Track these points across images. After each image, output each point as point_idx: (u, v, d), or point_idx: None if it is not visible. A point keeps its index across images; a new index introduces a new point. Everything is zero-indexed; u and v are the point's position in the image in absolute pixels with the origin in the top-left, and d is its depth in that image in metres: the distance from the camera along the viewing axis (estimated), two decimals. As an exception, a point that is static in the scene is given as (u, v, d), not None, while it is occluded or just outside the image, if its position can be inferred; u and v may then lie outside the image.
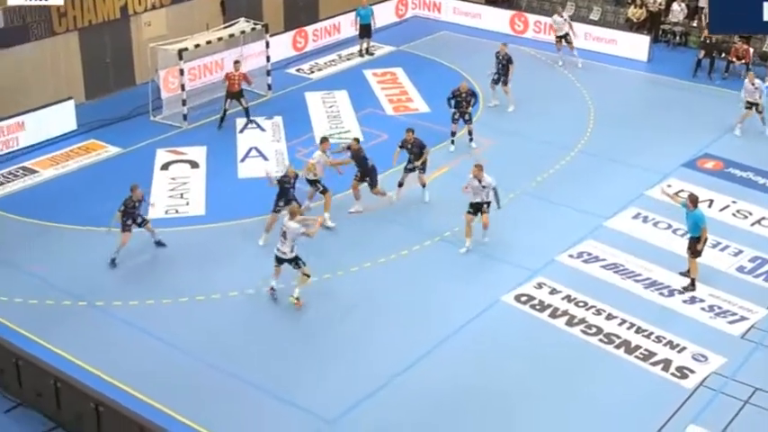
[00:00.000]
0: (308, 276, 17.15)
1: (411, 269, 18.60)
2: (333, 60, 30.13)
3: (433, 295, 17.80)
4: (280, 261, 17.10)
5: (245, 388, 15.16)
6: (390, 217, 20.47)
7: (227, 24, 27.27)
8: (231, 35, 26.47)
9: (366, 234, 19.87)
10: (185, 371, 15.63)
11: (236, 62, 24.97)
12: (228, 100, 24.64)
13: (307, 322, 16.99)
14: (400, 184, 20.92)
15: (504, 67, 25.67)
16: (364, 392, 15.08)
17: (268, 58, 27.22)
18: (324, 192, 20.01)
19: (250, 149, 23.80)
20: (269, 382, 15.32)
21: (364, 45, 30.56)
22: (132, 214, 18.33)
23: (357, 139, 21.12)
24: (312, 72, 29.12)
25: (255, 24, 26.85)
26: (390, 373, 15.55)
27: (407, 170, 20.91)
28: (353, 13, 31.62)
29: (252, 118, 25.07)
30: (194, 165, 22.94)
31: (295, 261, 17.03)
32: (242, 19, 26.96)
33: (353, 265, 18.52)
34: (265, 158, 23.26)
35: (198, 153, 23.52)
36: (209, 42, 25.78)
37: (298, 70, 29.24)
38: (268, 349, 16.26)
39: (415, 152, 20.77)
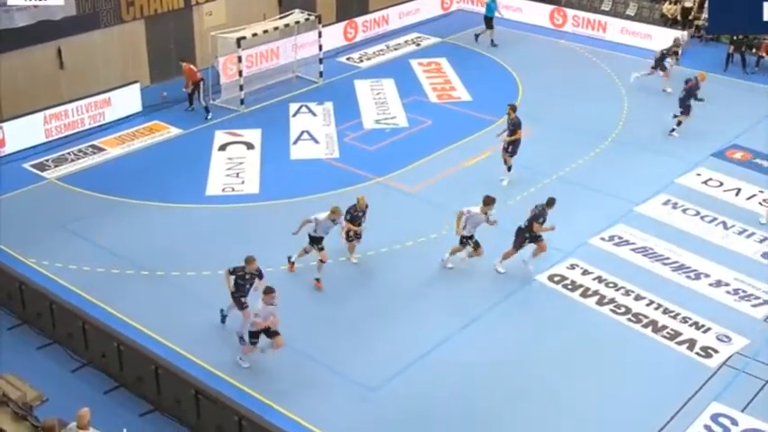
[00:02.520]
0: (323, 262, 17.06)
1: (438, 253, 18.51)
2: (381, 50, 30.03)
3: (469, 275, 17.71)
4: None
5: (296, 358, 15.20)
6: (430, 199, 20.41)
7: (282, 15, 27.28)
8: (286, 25, 26.48)
9: (406, 215, 19.81)
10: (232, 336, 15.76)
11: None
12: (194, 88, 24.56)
13: (350, 298, 17.01)
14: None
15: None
16: (404, 364, 15.09)
17: (320, 48, 27.20)
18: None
19: (302, 133, 23.84)
20: (317, 352, 15.37)
21: (488, 35, 30.32)
22: (244, 287, 15.24)
23: None
24: (361, 61, 29.06)
25: (309, 15, 26.82)
26: (429, 346, 15.55)
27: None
28: (402, 6, 31.63)
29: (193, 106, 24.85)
30: (250, 146, 23.04)
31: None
32: (296, 10, 26.94)
33: (396, 243, 18.50)
34: (316, 141, 23.28)
35: (253, 135, 23.61)
36: (265, 32, 25.81)
37: (348, 59, 29.19)
38: (315, 322, 16.31)
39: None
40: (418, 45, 30.54)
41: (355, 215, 17.45)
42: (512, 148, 20.72)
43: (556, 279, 17.53)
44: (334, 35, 29.39)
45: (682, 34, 28.40)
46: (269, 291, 14.26)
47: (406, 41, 30.83)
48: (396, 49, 30.17)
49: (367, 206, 17.63)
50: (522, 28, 31.58)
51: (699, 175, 21.73)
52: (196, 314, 16.38)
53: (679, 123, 23.54)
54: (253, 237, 18.91)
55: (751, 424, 13.99)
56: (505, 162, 20.89)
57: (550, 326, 16.32)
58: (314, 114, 24.98)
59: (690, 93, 23.35)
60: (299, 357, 15.20)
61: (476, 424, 13.97)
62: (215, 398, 13.28)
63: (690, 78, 23.84)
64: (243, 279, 15.10)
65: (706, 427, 13.96)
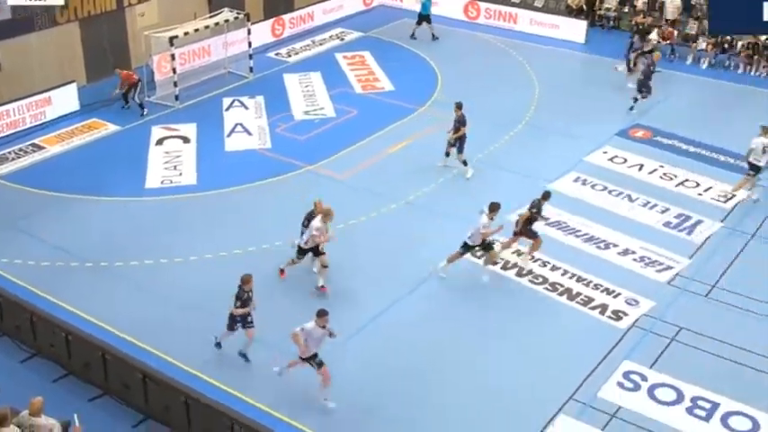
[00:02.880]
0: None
1: (382, 228, 18.54)
2: (307, 45, 29.78)
3: (400, 254, 17.74)
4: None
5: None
6: (359, 184, 20.38)
7: (212, 14, 26.85)
8: (216, 23, 26.08)
9: (337, 201, 19.71)
10: (182, 321, 15.53)
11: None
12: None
13: (292, 276, 16.90)
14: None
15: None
16: (350, 332, 15.01)
17: (250, 44, 26.84)
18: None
19: (236, 125, 23.53)
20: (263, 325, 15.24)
21: (429, 30, 30.03)
22: (246, 305, 14.26)
23: None
24: (289, 56, 28.79)
25: (238, 14, 26.46)
26: (361, 322, 15.57)
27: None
28: (326, 3, 31.46)
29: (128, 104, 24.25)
30: (186, 140, 22.66)
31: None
32: (226, 9, 26.54)
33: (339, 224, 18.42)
34: (249, 133, 23.03)
35: (189, 129, 23.22)
36: (196, 30, 25.37)
37: (276, 54, 28.88)
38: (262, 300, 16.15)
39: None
40: (342, 40, 30.39)
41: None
42: (459, 144, 20.51)
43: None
44: (262, 32, 29.05)
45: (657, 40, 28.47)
46: (323, 313, 13.08)
47: (330, 36, 30.63)
48: (321, 44, 29.96)
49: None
50: (440, 21, 31.62)
51: (605, 153, 22.12)
52: (140, 302, 16.10)
53: (636, 100, 24.29)
54: (192, 226, 18.66)
55: (659, 379, 14.36)
56: (458, 158, 20.67)
57: (474, 297, 16.46)
58: (246, 108, 24.69)
59: (648, 74, 23.96)
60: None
61: (405, 390, 14.04)
62: (162, 381, 13.10)
63: (646, 59, 24.70)
64: (248, 299, 14.17)
65: (619, 383, 14.27)
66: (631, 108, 24.34)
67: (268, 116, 24.08)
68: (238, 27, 26.86)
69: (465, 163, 20.68)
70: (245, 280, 14.20)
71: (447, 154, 20.77)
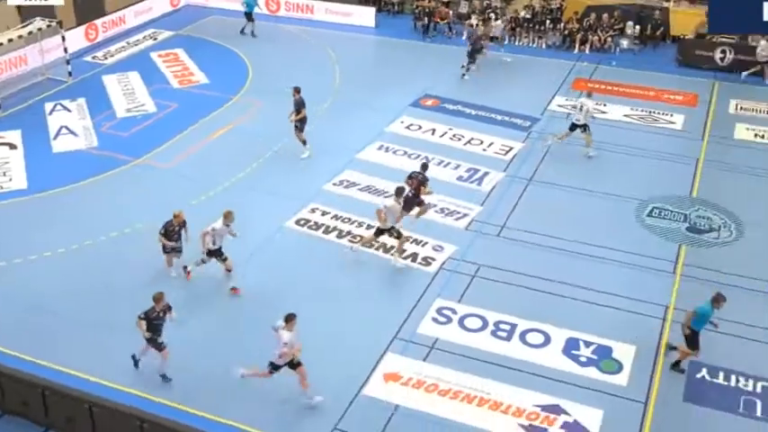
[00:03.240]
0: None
1: (210, 211, 18.03)
2: (123, 47, 28.33)
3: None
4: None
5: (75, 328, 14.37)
6: (186, 172, 19.78)
7: (24, 24, 24.96)
8: (30, 32, 24.27)
9: (166, 189, 19.08)
10: (31, 322, 14.58)
11: None
12: None
13: (109, 274, 16.18)
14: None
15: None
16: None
17: (66, 50, 25.19)
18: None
19: (61, 128, 22.08)
20: (85, 315, 14.58)
21: (248, 29, 29.13)
22: (160, 328, 12.98)
23: None
24: (106, 58, 27.29)
25: (50, 22, 24.75)
26: (205, 294, 15.20)
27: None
28: (136, 6, 30.05)
29: None
30: (12, 146, 21.05)
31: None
32: (37, 18, 24.75)
33: (166, 214, 17.77)
34: (75, 134, 21.72)
35: (14, 136, 21.56)
36: (10, 40, 23.53)
37: (93, 58, 27.28)
38: (82, 292, 15.42)
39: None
40: (155, 39, 29.13)
41: (170, 230, 15.38)
42: (300, 124, 20.12)
43: (301, 222, 17.67)
44: (76, 38, 27.31)
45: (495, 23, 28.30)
46: (291, 318, 12.35)
47: (144, 37, 29.28)
48: (136, 45, 28.61)
49: (184, 222, 15.49)
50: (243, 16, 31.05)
51: (402, 122, 22.59)
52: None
53: (468, 70, 25.01)
54: (28, 229, 17.45)
55: (467, 310, 14.99)
56: (299, 138, 20.32)
57: (303, 260, 16.44)
58: (69, 110, 23.20)
59: (475, 46, 24.94)
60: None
61: (249, 344, 13.88)
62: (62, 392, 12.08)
63: (471, 34, 25.85)
64: (157, 319, 12.86)
65: (434, 319, 14.77)
66: (463, 75, 25.23)
67: (92, 116, 22.77)
68: (52, 34, 25.14)
69: (304, 143, 20.39)
70: (157, 299, 12.84)
71: (304, 142, 20.30)
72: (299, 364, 12.61)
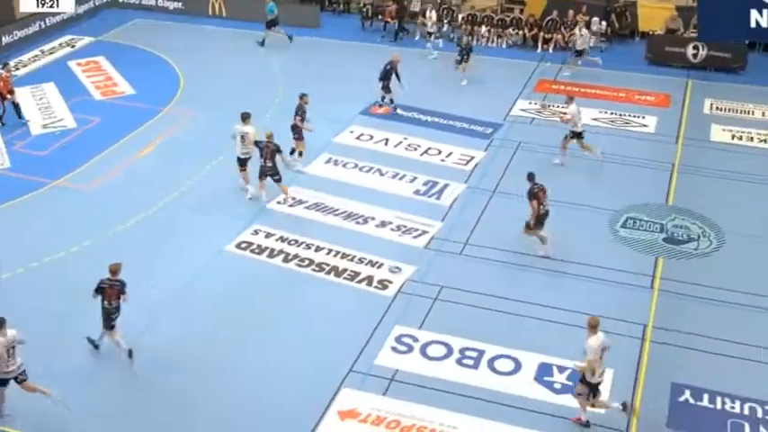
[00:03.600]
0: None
1: (140, 236, 17.87)
2: (36, 56, 27.98)
3: (163, 255, 17.23)
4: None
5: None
6: (111, 193, 19.54)
7: None
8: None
9: (89, 213, 18.82)
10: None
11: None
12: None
13: (27, 309, 15.90)
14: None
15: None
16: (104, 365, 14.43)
17: (-30, 62, 24.76)
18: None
19: (-33, 148, 21.74)
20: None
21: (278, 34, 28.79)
22: (103, 292, 14.09)
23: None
24: (17, 69, 26.87)
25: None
26: (135, 329, 14.96)
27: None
28: (51, 9, 29.57)
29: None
30: None
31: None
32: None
33: (85, 240, 17.53)
34: (-17, 155, 21.37)
35: None
36: None
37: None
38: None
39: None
40: (74, 47, 28.83)
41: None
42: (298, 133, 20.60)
43: (243, 246, 17.57)
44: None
45: None
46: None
47: (60, 44, 28.96)
48: (51, 53, 28.26)
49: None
50: (174, 19, 30.93)
51: (352, 132, 22.69)
52: None
53: (383, 98, 24.09)
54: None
55: (429, 337, 15.01)
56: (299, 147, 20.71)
57: (244, 289, 16.32)
58: (-24, 128, 22.84)
59: (388, 72, 23.71)
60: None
61: (191, 376, 13.74)
62: None
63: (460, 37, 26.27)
64: (100, 290, 14.19)
65: (393, 348, 14.77)
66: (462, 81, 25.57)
67: (2, 134, 22.38)
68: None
69: (300, 154, 20.76)
70: (113, 270, 14.20)
71: (299, 153, 20.70)
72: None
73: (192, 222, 18.42)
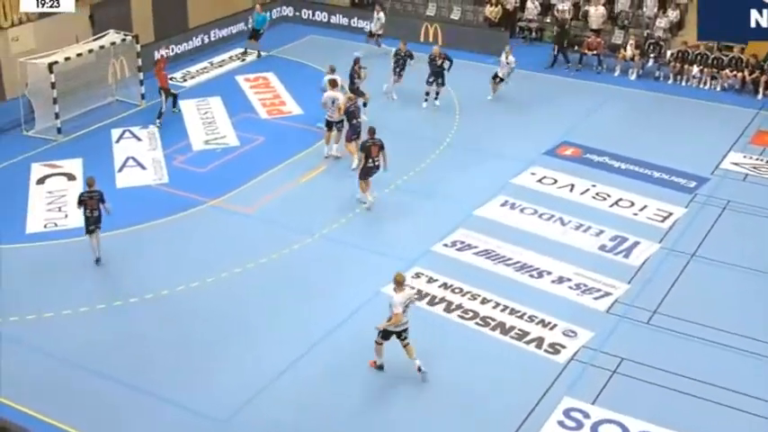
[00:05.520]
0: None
1: (293, 267, 18.47)
2: (205, 68, 29.66)
3: (315, 292, 17.70)
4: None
5: (132, 395, 14.78)
6: (269, 218, 20.30)
7: (96, 36, 26.52)
8: (101, 47, 25.75)
9: (245, 237, 19.63)
10: (74, 382, 15.11)
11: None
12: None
13: (187, 329, 16.60)
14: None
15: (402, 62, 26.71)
16: (252, 391, 14.89)
17: (140, 69, 26.55)
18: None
19: (127, 159, 23.20)
20: (157, 386, 14.96)
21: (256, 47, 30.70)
22: (90, 213, 18.15)
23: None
24: (185, 80, 28.59)
25: (125, 35, 26.20)
26: (278, 369, 15.38)
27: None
28: (223, 21, 31.43)
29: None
30: (71, 177, 22.21)
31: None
32: (111, 30, 26.25)
33: (236, 267, 18.29)
34: (143, 167, 22.74)
35: (74, 165, 22.78)
36: (79, 55, 25.01)
37: (170, 79, 28.59)
38: (152, 355, 15.83)
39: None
40: (243, 60, 30.37)
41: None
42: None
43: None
44: (153, 55, 28.78)
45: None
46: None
47: (230, 57, 30.58)
48: (220, 66, 29.89)
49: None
50: (348, 36, 31.96)
51: (533, 174, 22.56)
52: (21, 361, 15.61)
53: (428, 94, 26.35)
54: (81, 274, 18.25)
55: (602, 415, 14.58)
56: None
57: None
58: (138, 139, 24.38)
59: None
60: (132, 392, 14.79)
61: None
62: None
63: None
64: (82, 202, 18.06)
65: (560, 422, 14.44)
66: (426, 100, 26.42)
67: (164, 147, 23.83)
68: (126, 50, 26.58)
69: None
70: (89, 182, 18.13)
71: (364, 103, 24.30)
72: None
73: (350, 257, 18.82)
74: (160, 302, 17.18)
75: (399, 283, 14.99)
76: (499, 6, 32.31)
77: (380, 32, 30.47)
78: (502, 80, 26.91)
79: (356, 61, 24.87)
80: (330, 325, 16.61)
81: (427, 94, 26.34)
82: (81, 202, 18.03)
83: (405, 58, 26.51)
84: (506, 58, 26.73)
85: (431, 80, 26.19)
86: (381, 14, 30.57)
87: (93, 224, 18.09)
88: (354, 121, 22.31)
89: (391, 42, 28.47)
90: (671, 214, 20.74)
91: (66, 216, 20.31)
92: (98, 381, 15.07)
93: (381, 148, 20.33)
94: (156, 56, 27.65)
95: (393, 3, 34.43)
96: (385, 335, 15.09)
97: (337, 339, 16.33)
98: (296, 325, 16.67)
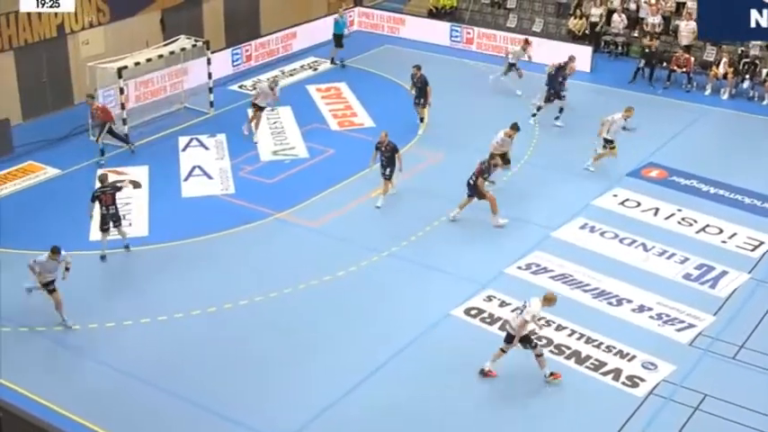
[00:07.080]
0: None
1: (359, 285, 18.59)
2: (276, 76, 30.03)
3: (381, 311, 17.80)
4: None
5: (192, 410, 15.02)
6: (336, 233, 20.47)
7: (167, 42, 27.08)
8: (172, 52, 26.29)
9: (310, 253, 19.82)
10: (134, 395, 15.42)
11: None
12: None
13: (250, 344, 16.83)
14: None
15: (420, 89, 25.73)
16: (316, 410, 15.02)
17: (210, 75, 27.04)
18: None
19: (193, 168, 23.65)
20: (218, 404, 15.17)
21: (333, 54, 31.21)
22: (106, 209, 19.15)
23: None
24: (254, 89, 28.97)
25: (196, 41, 26.72)
26: (343, 390, 15.51)
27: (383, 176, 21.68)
28: (296, 28, 31.84)
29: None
30: (136, 185, 22.70)
31: None
32: (182, 36, 26.79)
33: (300, 283, 18.47)
34: (209, 177, 23.13)
35: (140, 173, 23.30)
36: (149, 60, 25.58)
37: (240, 87, 29.13)
38: (213, 371, 16.07)
39: (387, 156, 21.51)
40: (315, 70, 30.72)
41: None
42: (423, 100, 25.41)
43: (473, 312, 17.74)
44: (223, 61, 29.31)
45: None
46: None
47: (302, 66, 30.98)
48: (291, 75, 30.28)
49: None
50: (423, 47, 32.09)
51: (615, 196, 22.36)
52: (83, 372, 15.99)
53: (539, 109, 26.46)
54: (143, 284, 18.64)
55: (682, 454, 14.40)
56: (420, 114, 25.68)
57: (469, 362, 16.40)
58: (206, 148, 24.83)
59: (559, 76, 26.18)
60: (192, 408, 15.04)
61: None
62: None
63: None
64: (98, 198, 19.10)
65: (636, 460, 14.30)
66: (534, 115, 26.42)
67: (231, 157, 24.22)
68: (197, 56, 27.11)
69: (422, 119, 25.41)
70: (101, 179, 19.46)
71: (422, 119, 25.10)
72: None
73: (418, 276, 18.87)
74: (227, 315, 17.43)
75: (549, 300, 15.62)
76: (584, 19, 32.16)
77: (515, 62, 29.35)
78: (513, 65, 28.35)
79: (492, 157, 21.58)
80: (396, 347, 16.65)
81: (538, 109, 26.57)
82: (95, 198, 19.00)
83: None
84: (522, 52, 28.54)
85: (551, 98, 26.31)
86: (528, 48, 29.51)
87: (108, 222, 19.09)
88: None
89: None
90: (762, 243, 20.36)
91: (131, 224, 20.73)
92: (159, 394, 15.39)
93: (395, 150, 21.30)
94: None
95: (472, 14, 34.52)
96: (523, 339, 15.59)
97: (403, 362, 16.36)
98: (361, 346, 16.76)
